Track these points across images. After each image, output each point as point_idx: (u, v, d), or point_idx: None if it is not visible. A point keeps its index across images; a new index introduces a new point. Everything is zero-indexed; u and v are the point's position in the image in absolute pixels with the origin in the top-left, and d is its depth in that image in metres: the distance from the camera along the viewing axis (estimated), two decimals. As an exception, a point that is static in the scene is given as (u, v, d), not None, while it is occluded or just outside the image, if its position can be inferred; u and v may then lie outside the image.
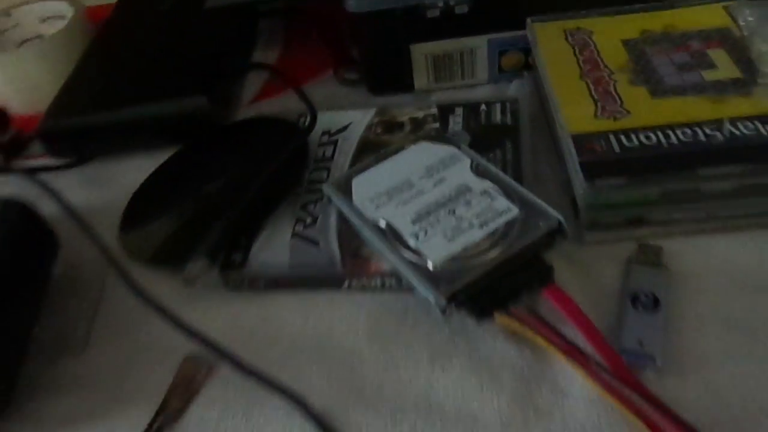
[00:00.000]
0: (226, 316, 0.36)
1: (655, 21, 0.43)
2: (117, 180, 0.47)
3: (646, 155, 0.34)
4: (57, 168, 0.48)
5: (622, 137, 0.35)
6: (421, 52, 0.47)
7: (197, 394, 0.33)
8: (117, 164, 0.49)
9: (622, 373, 0.29)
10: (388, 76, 0.48)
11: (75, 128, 0.47)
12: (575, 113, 0.38)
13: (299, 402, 0.31)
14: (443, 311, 0.31)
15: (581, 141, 0.36)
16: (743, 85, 0.37)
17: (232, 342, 0.35)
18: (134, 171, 0.46)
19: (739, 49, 0.39)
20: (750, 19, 0.38)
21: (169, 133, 0.45)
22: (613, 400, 0.29)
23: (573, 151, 0.36)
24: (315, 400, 0.32)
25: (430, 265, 0.33)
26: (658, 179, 0.34)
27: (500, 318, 0.32)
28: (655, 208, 0.35)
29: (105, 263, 0.39)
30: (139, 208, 0.42)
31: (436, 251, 0.33)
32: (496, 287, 0.32)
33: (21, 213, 0.36)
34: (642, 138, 0.35)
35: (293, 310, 0.36)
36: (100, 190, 0.47)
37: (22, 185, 0.44)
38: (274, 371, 0.33)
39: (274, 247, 0.38)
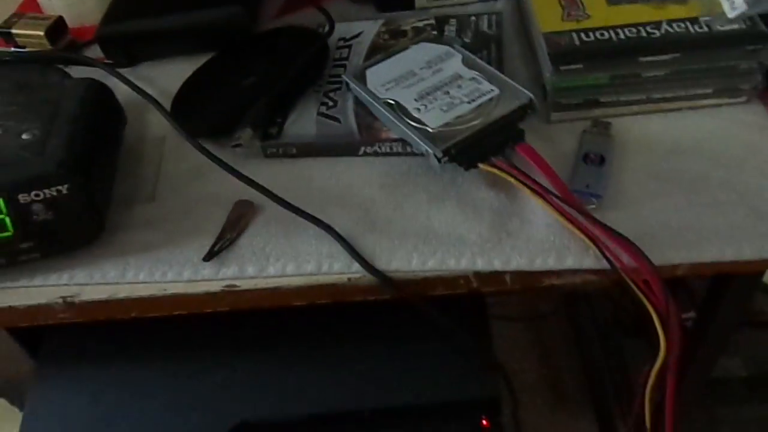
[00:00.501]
0: (265, 175, 0.45)
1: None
2: (162, 79, 0.56)
3: (600, 47, 0.44)
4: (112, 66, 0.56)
5: (582, 34, 0.45)
6: (422, -28, 0.55)
7: (247, 227, 0.43)
8: (161, 67, 0.57)
9: (572, 203, 0.39)
10: (393, -6, 0.57)
11: (128, 33, 0.55)
12: (547, 17, 0.47)
13: (329, 228, 0.41)
14: (440, 161, 0.41)
15: (550, 38, 0.45)
16: (680, -5, 0.46)
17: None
18: (176, 72, 0.54)
19: (681, -33, 0.48)
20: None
21: (210, 37, 0.54)
22: (564, 221, 0.39)
23: (543, 45, 0.45)
24: (340, 229, 0.41)
25: (429, 129, 0.42)
26: (607, 64, 0.44)
27: (483, 166, 0.41)
28: (606, 90, 0.45)
29: (161, 137, 0.48)
30: (188, 97, 0.50)
31: (434, 119, 0.42)
32: (480, 145, 0.42)
33: (100, 90, 0.45)
34: (597, 35, 0.44)
35: (320, 172, 0.46)
36: (149, 86, 0.55)
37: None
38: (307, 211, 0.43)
39: (304, 122, 0.47)
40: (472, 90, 0.44)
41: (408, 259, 0.40)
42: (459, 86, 0.45)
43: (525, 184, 0.40)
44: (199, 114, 0.48)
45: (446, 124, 0.42)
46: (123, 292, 0.40)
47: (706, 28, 0.43)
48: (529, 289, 0.40)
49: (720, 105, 0.45)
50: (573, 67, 0.44)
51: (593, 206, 0.40)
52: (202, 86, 0.51)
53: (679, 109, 0.46)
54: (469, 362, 0.46)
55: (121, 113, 0.47)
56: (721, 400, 0.84)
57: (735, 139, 0.44)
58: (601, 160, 0.42)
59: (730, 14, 0.42)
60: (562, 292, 1.04)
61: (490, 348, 0.44)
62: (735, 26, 0.43)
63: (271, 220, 0.43)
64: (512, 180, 0.40)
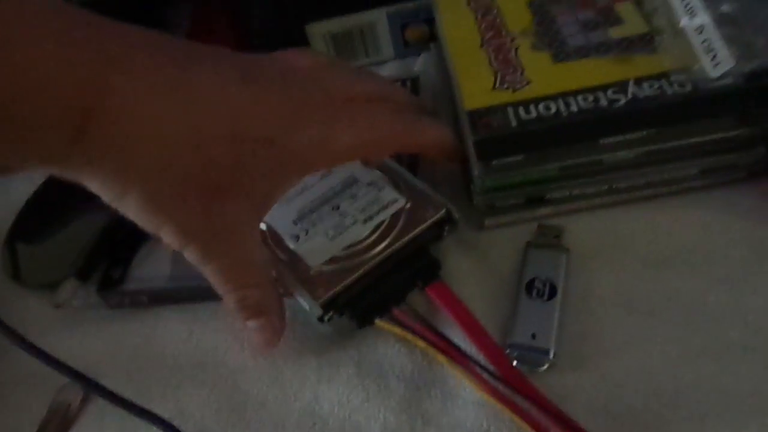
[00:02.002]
0: (107, 337, 0.34)
1: (563, -24, 0.40)
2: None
3: (545, 128, 0.31)
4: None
5: (520, 109, 0.32)
6: (319, 31, 0.43)
7: (72, 424, 0.31)
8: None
9: (508, 375, 0.27)
10: (288, 59, 0.45)
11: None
12: (473, 86, 0.34)
13: (172, 429, 0.29)
14: (320, 320, 0.29)
15: (477, 117, 0.33)
16: (650, 41, 0.34)
17: (113, 366, 0.33)
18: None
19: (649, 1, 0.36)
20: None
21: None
22: (497, 404, 0.26)
23: (469, 129, 0.32)
24: (194, 423, 0.30)
25: (308, 270, 0.30)
26: (557, 154, 0.31)
27: (381, 323, 0.29)
28: (556, 184, 0.33)
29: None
30: (23, 231, 0.39)
31: (315, 254, 0.31)
32: (378, 288, 0.30)
33: None
34: (541, 109, 0.32)
35: (177, 326, 0.34)
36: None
37: None
38: (154, 394, 0.31)
39: (155, 260, 0.35)
40: (370, 201, 0.32)
41: (284, 470, 0.28)
42: (353, 196, 0.33)
43: (439, 350, 0.28)
44: (24, 255, 0.37)
45: (332, 260, 0.30)
46: None
47: (688, 87, 0.31)
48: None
49: (710, 187, 0.33)
50: (509, 159, 0.31)
51: (544, 367, 0.28)
52: (40, 215, 0.39)
53: (654, 197, 0.33)
54: None
55: None
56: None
57: (736, 238, 0.31)
58: (551, 291, 0.30)
59: (713, 73, 0.30)
60: None
61: None
62: (727, 81, 0.31)
63: (105, 409, 0.31)
64: (421, 344, 0.28)
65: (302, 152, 0.27)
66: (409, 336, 0.28)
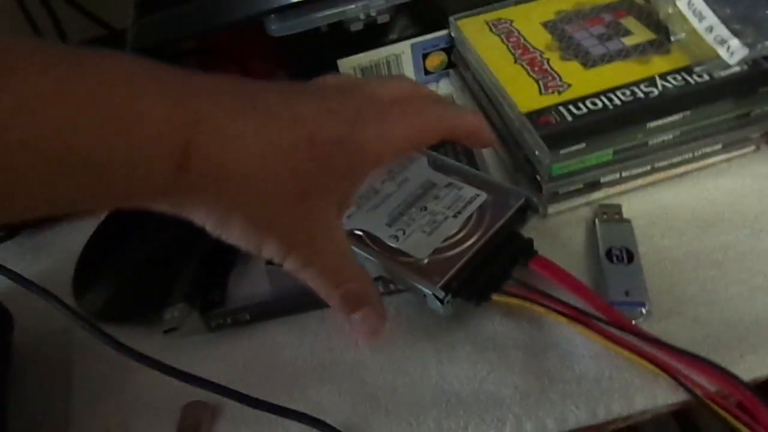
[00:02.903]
0: (217, 357, 0.35)
1: (565, 1, 0.46)
2: (54, 246, 0.44)
3: (599, 119, 0.36)
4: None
5: (571, 107, 0.37)
6: (349, 65, 0.47)
7: (206, 441, 0.32)
8: (49, 232, 0.45)
9: (620, 323, 0.30)
10: (320, 93, 0.49)
11: None
12: (521, 94, 0.39)
13: (317, 422, 0.30)
14: (442, 301, 0.32)
15: (534, 117, 0.37)
16: (660, 44, 0.40)
17: (230, 382, 0.33)
18: (67, 236, 0.43)
19: (646, 15, 0.42)
20: (654, -16, 0.42)
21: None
22: (619, 350, 0.30)
23: (531, 127, 0.37)
24: (332, 419, 0.31)
25: (417, 261, 0.33)
26: (611, 139, 0.36)
27: (497, 298, 0.32)
28: (610, 168, 0.37)
29: (67, 330, 0.36)
30: (93, 268, 0.39)
31: (419, 247, 0.33)
32: (484, 270, 0.33)
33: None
34: (589, 105, 0.37)
35: (285, 337, 0.35)
36: (37, 260, 0.44)
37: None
38: (282, 399, 0.32)
39: (251, 277, 0.37)
40: (454, 199, 0.36)
41: (433, 443, 0.30)
42: (436, 197, 0.36)
43: (558, 312, 0.31)
44: (110, 292, 0.37)
45: (436, 251, 0.33)
46: None
47: (707, 77, 0.37)
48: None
49: (729, 160, 0.39)
50: (574, 148, 0.36)
51: (641, 318, 0.32)
52: (107, 251, 0.40)
53: (686, 173, 0.39)
54: None
55: (5, 315, 0.36)
56: None
57: (759, 196, 0.37)
58: (629, 256, 0.34)
59: (731, 60, 0.36)
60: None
61: None
62: (736, 69, 0.37)
63: (238, 421, 0.32)
64: (540, 310, 0.31)
65: (369, 147, 0.28)
66: (527, 304, 0.32)
